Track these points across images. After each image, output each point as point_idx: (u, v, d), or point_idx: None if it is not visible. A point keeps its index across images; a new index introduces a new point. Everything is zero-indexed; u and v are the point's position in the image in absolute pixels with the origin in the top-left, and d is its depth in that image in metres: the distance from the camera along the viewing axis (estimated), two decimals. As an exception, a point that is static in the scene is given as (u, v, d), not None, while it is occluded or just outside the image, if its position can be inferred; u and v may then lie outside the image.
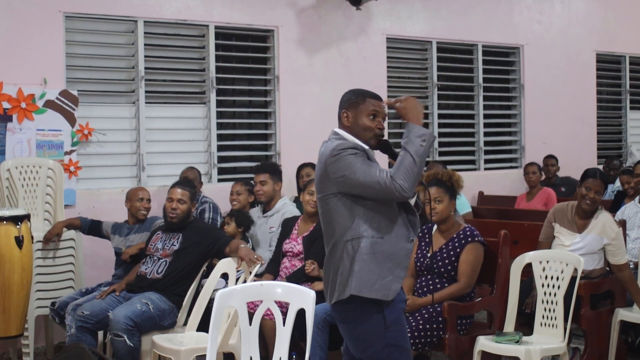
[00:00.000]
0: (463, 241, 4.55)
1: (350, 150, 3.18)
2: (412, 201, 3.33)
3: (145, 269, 4.98)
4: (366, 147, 3.28)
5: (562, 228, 5.12)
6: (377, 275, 3.16)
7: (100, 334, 4.89)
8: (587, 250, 4.97)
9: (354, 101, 3.32)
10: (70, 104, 6.07)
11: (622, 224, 5.33)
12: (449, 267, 4.53)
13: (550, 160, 8.34)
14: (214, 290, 4.79)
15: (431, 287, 4.53)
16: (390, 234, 3.20)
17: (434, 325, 4.35)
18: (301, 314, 3.35)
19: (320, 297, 3.61)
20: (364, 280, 3.15)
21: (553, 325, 4.55)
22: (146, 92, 6.51)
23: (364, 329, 3.21)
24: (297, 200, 6.41)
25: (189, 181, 5.59)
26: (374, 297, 3.16)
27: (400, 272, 3.21)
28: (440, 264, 4.55)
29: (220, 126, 6.94)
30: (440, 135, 8.20)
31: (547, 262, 4.69)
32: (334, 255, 3.24)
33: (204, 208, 6.05)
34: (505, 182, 8.50)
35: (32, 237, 4.82)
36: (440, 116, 8.20)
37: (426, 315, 4.37)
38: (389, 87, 7.77)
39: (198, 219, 5.65)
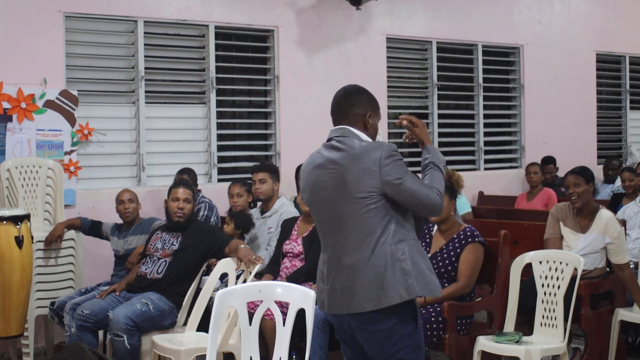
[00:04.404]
0: (463, 242, 4.55)
1: (399, 155, 3.12)
2: None
3: (145, 269, 4.98)
4: None
5: (566, 228, 5.11)
6: (429, 275, 3.16)
7: (101, 334, 4.88)
8: (589, 249, 4.97)
9: (376, 106, 3.30)
10: (70, 104, 6.07)
11: (623, 223, 5.32)
12: (449, 268, 4.53)
13: (547, 167, 8.30)
14: (212, 291, 4.79)
15: (431, 287, 4.53)
16: (415, 237, 3.23)
17: (434, 325, 4.35)
18: (301, 314, 3.35)
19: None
20: (421, 280, 3.10)
21: (553, 325, 4.55)
22: (146, 92, 6.51)
23: (400, 332, 3.12)
24: (296, 201, 6.41)
25: (186, 181, 5.59)
26: (428, 295, 3.15)
27: None
28: (440, 264, 4.55)
29: (220, 126, 6.94)
30: (440, 135, 8.21)
31: (547, 262, 4.69)
32: (373, 258, 3.09)
33: (200, 207, 6.06)
34: (505, 182, 8.50)
35: (32, 237, 4.82)
36: (440, 116, 8.20)
37: (426, 315, 4.36)
38: (389, 87, 7.78)
39: (198, 219, 5.66)
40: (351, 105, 3.25)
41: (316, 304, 3.32)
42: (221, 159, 6.97)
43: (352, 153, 3.13)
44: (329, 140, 3.25)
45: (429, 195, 3.11)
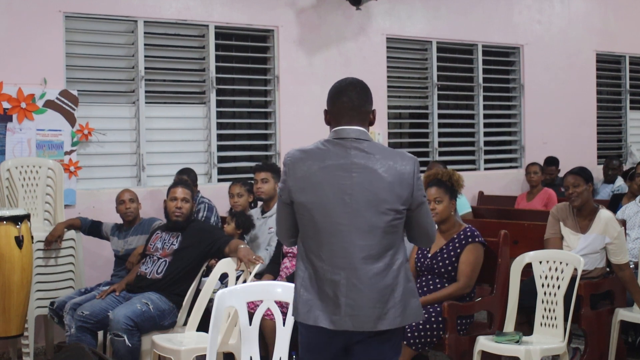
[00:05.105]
0: (464, 242, 4.55)
1: None
2: None
3: (145, 269, 4.98)
4: None
5: (566, 228, 5.12)
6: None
7: (100, 334, 4.89)
8: (589, 250, 4.97)
9: None
10: (70, 104, 6.07)
11: (622, 223, 5.33)
12: (449, 268, 4.53)
13: (549, 168, 8.30)
14: (212, 291, 4.79)
15: (431, 287, 4.53)
16: None
17: (434, 325, 4.35)
18: (301, 314, 3.34)
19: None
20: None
21: (553, 325, 4.55)
22: (146, 92, 6.51)
23: (400, 339, 3.08)
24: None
25: (185, 180, 5.59)
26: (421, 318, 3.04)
27: None
28: (440, 264, 4.55)
29: (220, 126, 6.94)
30: (440, 135, 8.20)
31: (547, 262, 4.69)
32: (387, 274, 2.86)
33: (199, 208, 6.06)
34: (505, 182, 8.50)
35: (32, 237, 4.82)
36: (440, 116, 8.20)
37: (426, 315, 4.36)
38: (389, 87, 7.78)
39: (198, 219, 5.65)
40: (365, 102, 2.99)
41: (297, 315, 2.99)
42: (221, 159, 6.96)
43: (382, 159, 2.86)
44: (341, 138, 2.92)
45: (434, 225, 3.02)
